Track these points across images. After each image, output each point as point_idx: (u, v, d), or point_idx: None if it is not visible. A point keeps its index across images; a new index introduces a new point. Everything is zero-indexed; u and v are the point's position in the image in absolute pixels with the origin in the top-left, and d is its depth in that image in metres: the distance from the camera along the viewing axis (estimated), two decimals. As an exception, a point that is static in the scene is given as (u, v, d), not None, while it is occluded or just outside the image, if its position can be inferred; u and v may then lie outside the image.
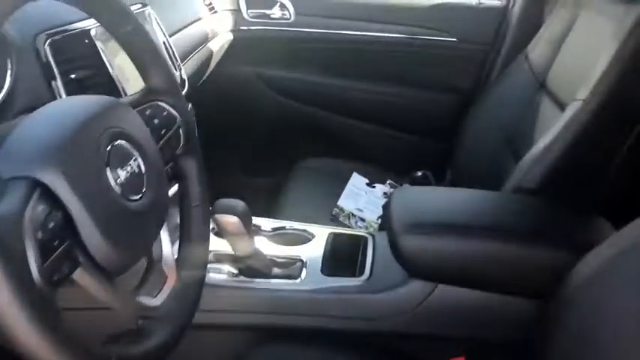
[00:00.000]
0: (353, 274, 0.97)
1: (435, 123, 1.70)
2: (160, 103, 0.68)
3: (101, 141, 0.54)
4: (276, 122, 1.81)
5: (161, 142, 0.66)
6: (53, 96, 0.76)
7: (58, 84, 0.76)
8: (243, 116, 1.80)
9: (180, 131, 0.71)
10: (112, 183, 0.53)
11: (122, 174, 0.55)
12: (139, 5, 1.04)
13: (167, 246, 0.66)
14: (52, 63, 0.76)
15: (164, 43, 1.07)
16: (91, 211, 0.49)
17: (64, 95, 0.77)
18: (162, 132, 0.67)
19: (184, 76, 1.11)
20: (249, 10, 1.73)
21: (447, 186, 1.62)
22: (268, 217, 1.52)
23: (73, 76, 0.79)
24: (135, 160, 0.57)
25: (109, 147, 0.54)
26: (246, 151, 1.85)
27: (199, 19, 1.52)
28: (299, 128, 1.79)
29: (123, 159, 0.56)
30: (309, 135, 1.78)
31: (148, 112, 0.66)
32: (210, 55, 1.54)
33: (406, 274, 0.94)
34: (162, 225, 0.62)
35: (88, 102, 0.57)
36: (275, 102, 1.78)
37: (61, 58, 0.78)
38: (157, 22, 1.08)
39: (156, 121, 0.66)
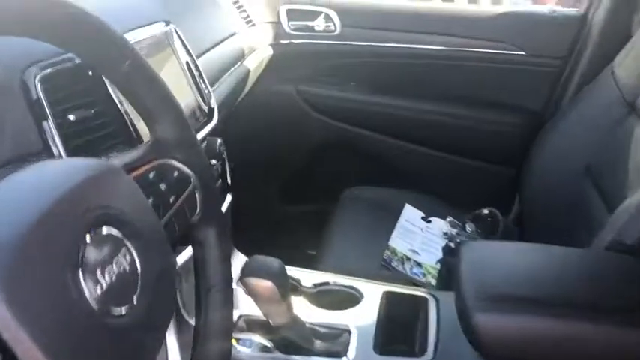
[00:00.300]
0: (413, 353, 0.79)
1: (500, 148, 1.49)
2: (169, 161, 0.52)
3: (74, 232, 0.38)
4: (318, 145, 1.64)
5: (168, 215, 0.50)
6: (46, 143, 0.62)
7: (51, 127, 0.62)
8: (281, 138, 1.64)
9: (196, 194, 0.55)
10: (87, 294, 0.37)
11: (104, 277, 0.39)
12: (162, 24, 0.90)
13: (175, 354, 0.50)
14: (44, 102, 0.61)
15: (188, 64, 0.92)
16: (48, 346, 0.33)
17: (58, 141, 0.62)
18: (172, 200, 0.51)
19: (214, 105, 0.96)
20: (291, 22, 1.57)
21: (513, 222, 1.42)
22: (308, 255, 1.37)
23: (71, 117, 0.64)
24: (126, 255, 0.41)
25: (88, 238, 0.39)
26: (285, 177, 1.68)
27: (235, 34, 1.37)
28: (344, 152, 1.61)
29: (106, 254, 0.40)
30: (355, 160, 1.60)
31: (152, 176, 0.50)
32: (247, 73, 1.39)
33: (481, 356, 0.75)
34: (164, 334, 0.46)
35: (61, 173, 0.42)
36: (318, 122, 1.61)
37: (56, 96, 0.63)
38: (182, 42, 0.93)
39: (163, 186, 0.51)
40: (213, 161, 0.91)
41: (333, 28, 1.54)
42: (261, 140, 1.61)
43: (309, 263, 1.15)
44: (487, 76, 1.47)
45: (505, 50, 1.45)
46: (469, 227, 1.25)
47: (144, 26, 0.83)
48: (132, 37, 0.78)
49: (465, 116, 1.51)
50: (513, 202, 1.45)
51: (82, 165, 0.43)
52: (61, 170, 0.43)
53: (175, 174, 0.53)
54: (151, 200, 0.48)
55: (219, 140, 0.90)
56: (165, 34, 0.88)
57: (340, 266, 1.15)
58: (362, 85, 1.58)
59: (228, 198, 0.96)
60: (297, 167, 1.66)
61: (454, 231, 1.25)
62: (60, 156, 0.62)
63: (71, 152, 0.63)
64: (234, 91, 1.31)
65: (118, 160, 0.48)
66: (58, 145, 0.62)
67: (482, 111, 1.49)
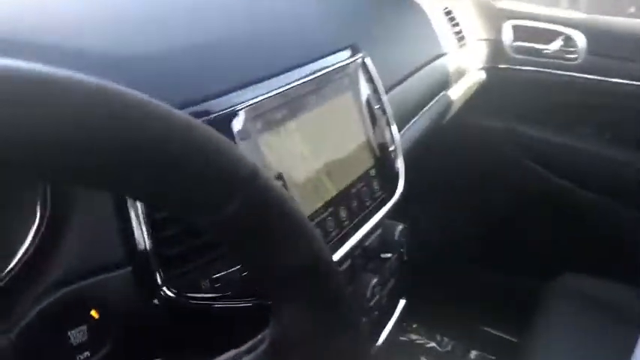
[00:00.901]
0: None
1: None
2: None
3: None
4: (528, 203, 1.26)
5: None
6: (131, 252, 0.39)
7: (142, 228, 0.40)
8: (480, 186, 1.30)
9: None
10: None
11: None
12: (347, 52, 0.63)
13: None
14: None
15: (370, 107, 0.64)
16: None
17: (149, 248, 0.40)
18: None
19: (400, 169, 0.67)
20: (516, 43, 1.22)
21: None
22: (506, 342, 1.04)
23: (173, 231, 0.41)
24: None
25: None
26: (481, 236, 1.32)
27: (443, 55, 1.07)
28: (565, 219, 1.22)
29: None
30: (579, 231, 1.20)
31: None
32: (450, 105, 1.09)
33: None
34: None
35: None
36: (531, 174, 1.24)
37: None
38: (370, 76, 0.66)
39: None
40: (388, 254, 0.63)
41: (574, 54, 1.15)
42: (453, 184, 1.29)
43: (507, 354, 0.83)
44: None
45: None
46: None
47: (319, 58, 0.58)
48: (297, 75, 0.54)
49: None
50: None
51: None
52: None
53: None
54: None
55: (400, 227, 0.62)
56: (348, 67, 0.62)
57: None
58: (603, 134, 1.18)
59: (401, 304, 0.67)
60: (497, 226, 1.31)
61: None
62: (147, 274, 0.40)
63: (164, 267, 0.40)
64: (431, 127, 1.01)
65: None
66: (148, 254, 0.40)
67: None
